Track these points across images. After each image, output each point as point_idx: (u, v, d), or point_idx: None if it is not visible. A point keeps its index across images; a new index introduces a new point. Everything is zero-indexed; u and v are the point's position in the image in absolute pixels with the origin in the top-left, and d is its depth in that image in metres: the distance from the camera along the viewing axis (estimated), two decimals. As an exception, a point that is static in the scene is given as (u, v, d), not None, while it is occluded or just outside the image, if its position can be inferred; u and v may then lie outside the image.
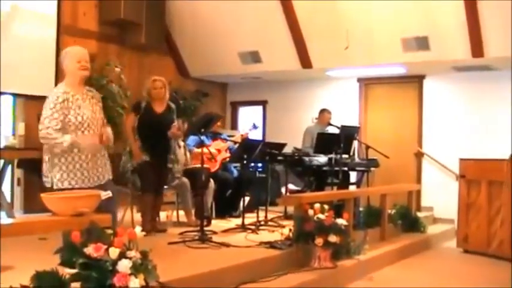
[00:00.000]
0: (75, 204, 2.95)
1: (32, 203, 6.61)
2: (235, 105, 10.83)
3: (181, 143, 6.51)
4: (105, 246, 2.73)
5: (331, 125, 7.75)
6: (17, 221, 3.40)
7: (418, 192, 8.60)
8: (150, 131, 5.66)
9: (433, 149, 8.85)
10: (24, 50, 6.93)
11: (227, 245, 5.01)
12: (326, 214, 5.03)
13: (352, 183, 7.82)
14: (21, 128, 6.80)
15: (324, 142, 6.80)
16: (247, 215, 6.29)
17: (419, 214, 7.89)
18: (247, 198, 7.08)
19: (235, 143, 6.98)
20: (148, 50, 8.84)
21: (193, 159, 6.69)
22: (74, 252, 2.72)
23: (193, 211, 6.40)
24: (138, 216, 6.02)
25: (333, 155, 6.68)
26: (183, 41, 9.29)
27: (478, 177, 6.55)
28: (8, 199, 6.46)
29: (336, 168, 6.68)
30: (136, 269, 2.73)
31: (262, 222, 6.36)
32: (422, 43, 7.62)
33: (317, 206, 5.10)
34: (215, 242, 5.08)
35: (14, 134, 6.91)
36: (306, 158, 7.17)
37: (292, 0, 8.03)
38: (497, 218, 6.32)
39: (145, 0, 8.23)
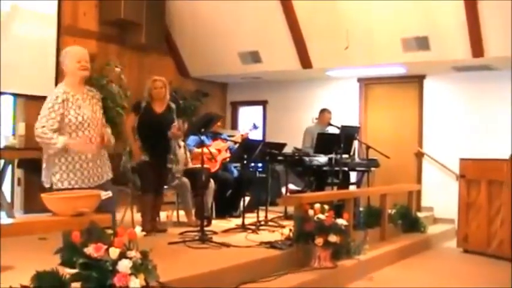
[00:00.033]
0: (75, 204, 2.95)
1: (32, 203, 6.61)
2: (235, 105, 10.83)
3: (182, 143, 6.51)
4: (106, 246, 2.73)
5: (331, 125, 7.74)
6: (17, 221, 3.40)
7: (418, 192, 8.60)
8: (150, 131, 5.66)
9: (433, 149, 8.84)
10: (24, 50, 6.94)
11: (227, 245, 5.01)
12: (326, 214, 5.03)
13: (352, 183, 7.83)
14: (21, 128, 6.80)
15: (324, 142, 6.79)
16: (247, 215, 6.29)
17: (420, 214, 7.89)
18: (247, 198, 7.08)
19: (235, 143, 6.98)
20: (149, 50, 8.84)
21: (194, 159, 6.69)
22: (74, 252, 2.72)
23: (193, 211, 6.40)
24: (138, 216, 6.02)
25: (333, 155, 6.68)
26: (183, 41, 9.29)
27: (478, 177, 6.55)
28: (8, 199, 6.47)
29: (336, 168, 6.68)
30: (136, 269, 2.73)
31: (263, 222, 6.37)
32: (422, 43, 7.61)
33: (317, 206, 5.10)
34: (215, 242, 5.08)
35: (14, 134, 6.91)
36: (306, 158, 7.17)
37: (292, 0, 8.03)
38: (497, 218, 6.32)
39: (146, 0, 8.22)
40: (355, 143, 7.58)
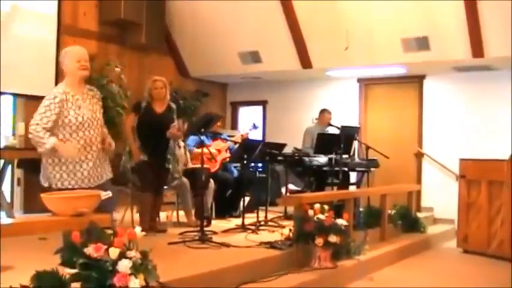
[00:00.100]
0: (75, 204, 2.95)
1: (32, 203, 6.60)
2: (235, 105, 10.83)
3: (182, 143, 6.51)
4: (105, 246, 2.72)
5: (331, 125, 7.74)
6: (17, 221, 3.40)
7: (418, 193, 8.60)
8: (150, 131, 5.66)
9: (433, 149, 8.84)
10: (24, 50, 6.93)
11: (227, 245, 5.01)
12: (326, 214, 5.03)
13: (352, 184, 7.82)
14: (21, 128, 6.79)
15: (324, 142, 6.80)
16: (247, 215, 6.29)
17: (420, 214, 7.89)
18: (247, 199, 7.08)
19: (235, 143, 6.98)
20: (149, 50, 8.84)
21: (193, 159, 6.69)
22: (74, 252, 2.72)
23: (193, 211, 6.40)
24: (138, 216, 6.01)
25: (333, 155, 6.68)
26: (183, 41, 9.29)
27: (478, 177, 6.55)
28: (8, 199, 6.46)
29: (336, 169, 6.68)
30: (136, 269, 2.73)
31: (262, 223, 6.36)
32: (422, 43, 7.62)
33: (317, 206, 5.09)
34: (215, 242, 5.08)
35: (14, 134, 6.91)
36: (306, 158, 7.17)
37: (292, 0, 8.04)
38: (497, 218, 6.32)
39: (146, 0, 8.23)
40: (355, 143, 7.58)
